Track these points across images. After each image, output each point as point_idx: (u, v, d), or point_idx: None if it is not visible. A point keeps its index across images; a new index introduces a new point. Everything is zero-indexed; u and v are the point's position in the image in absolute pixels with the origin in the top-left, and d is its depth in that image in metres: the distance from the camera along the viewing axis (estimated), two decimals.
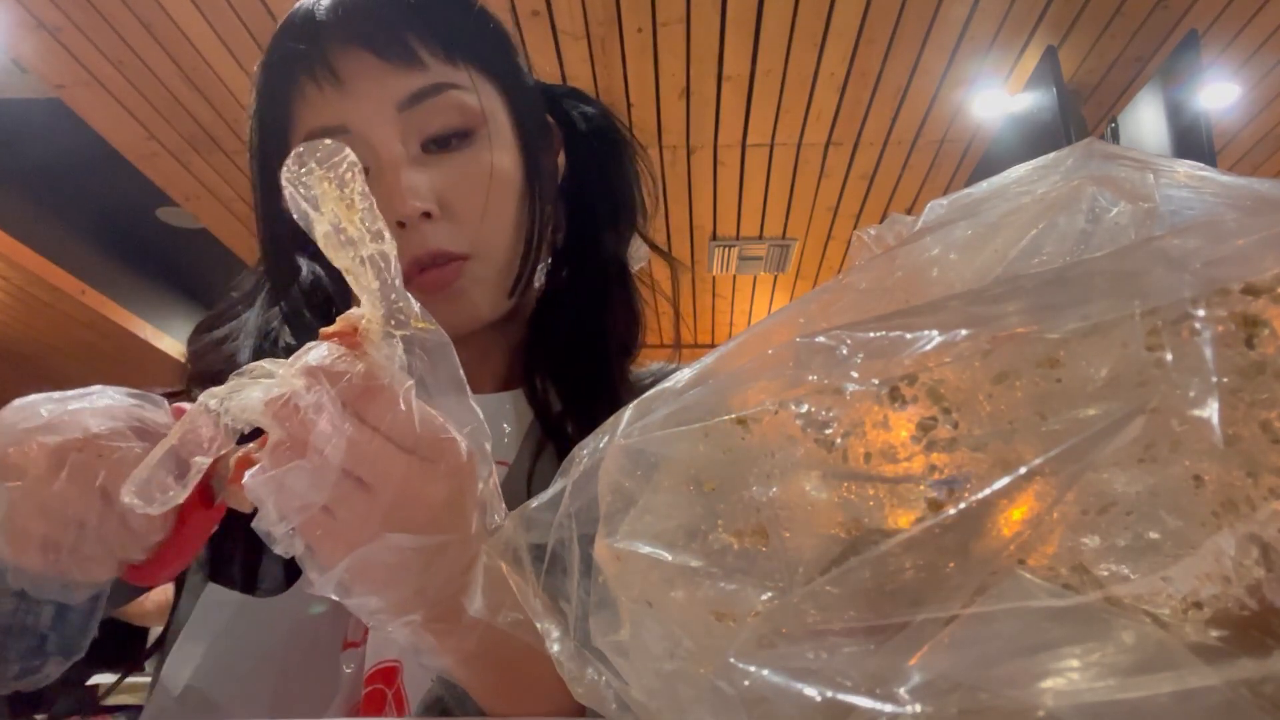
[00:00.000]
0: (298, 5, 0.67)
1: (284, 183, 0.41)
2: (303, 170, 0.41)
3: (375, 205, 0.42)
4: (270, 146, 0.68)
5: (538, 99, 0.75)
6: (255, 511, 0.42)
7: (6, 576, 0.47)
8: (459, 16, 0.68)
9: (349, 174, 0.42)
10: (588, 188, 0.77)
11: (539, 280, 0.77)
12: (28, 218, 3.98)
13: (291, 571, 0.64)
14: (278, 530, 0.40)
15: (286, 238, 0.71)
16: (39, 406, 0.47)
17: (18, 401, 0.48)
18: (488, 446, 0.44)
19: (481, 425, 0.44)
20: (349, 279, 0.42)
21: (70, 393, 0.49)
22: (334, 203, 0.41)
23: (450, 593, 0.43)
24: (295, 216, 0.42)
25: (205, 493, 0.47)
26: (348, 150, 0.42)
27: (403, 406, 0.40)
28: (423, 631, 0.44)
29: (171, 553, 0.47)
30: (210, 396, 0.42)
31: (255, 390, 0.41)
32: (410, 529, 0.41)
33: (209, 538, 0.49)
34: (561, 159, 0.78)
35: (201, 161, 3.66)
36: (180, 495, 0.41)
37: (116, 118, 3.37)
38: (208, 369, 0.70)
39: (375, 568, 0.41)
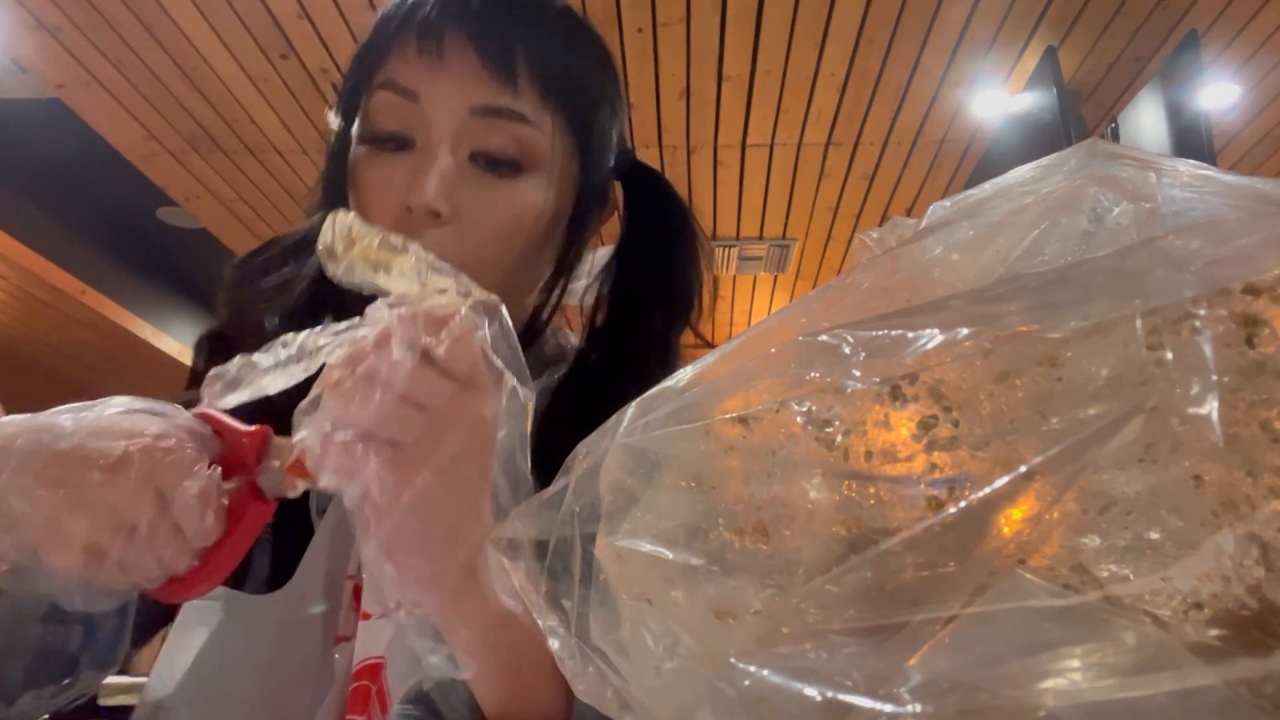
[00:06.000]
0: None
1: (345, 284, 0.46)
2: (342, 264, 0.46)
3: (376, 228, 0.46)
4: (356, 79, 0.68)
5: (610, 169, 0.73)
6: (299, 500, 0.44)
7: (36, 585, 0.46)
8: (579, 70, 0.68)
9: (352, 228, 0.46)
10: (652, 272, 0.75)
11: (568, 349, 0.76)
12: (28, 218, 3.98)
13: (279, 569, 0.64)
14: (338, 477, 0.43)
15: (345, 183, 0.70)
16: (68, 415, 0.46)
17: (39, 417, 0.47)
18: (532, 403, 0.47)
19: (530, 382, 0.46)
20: (424, 297, 0.45)
21: (88, 404, 0.48)
22: (369, 259, 0.46)
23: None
24: (371, 292, 0.45)
25: (256, 490, 0.47)
26: (328, 219, 0.46)
27: (461, 338, 0.43)
28: (449, 602, 0.45)
29: (220, 555, 0.46)
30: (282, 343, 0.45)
31: (325, 337, 0.45)
32: (469, 459, 0.44)
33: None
34: (615, 222, 0.76)
35: (201, 161, 3.65)
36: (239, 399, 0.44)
37: (116, 118, 3.37)
38: (276, 306, 0.70)
39: (437, 508, 0.44)
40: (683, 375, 0.33)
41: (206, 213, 4.06)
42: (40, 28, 2.89)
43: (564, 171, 0.67)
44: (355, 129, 0.67)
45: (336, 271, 0.46)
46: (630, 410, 0.33)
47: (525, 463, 0.46)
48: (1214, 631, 0.23)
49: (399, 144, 0.64)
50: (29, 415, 0.47)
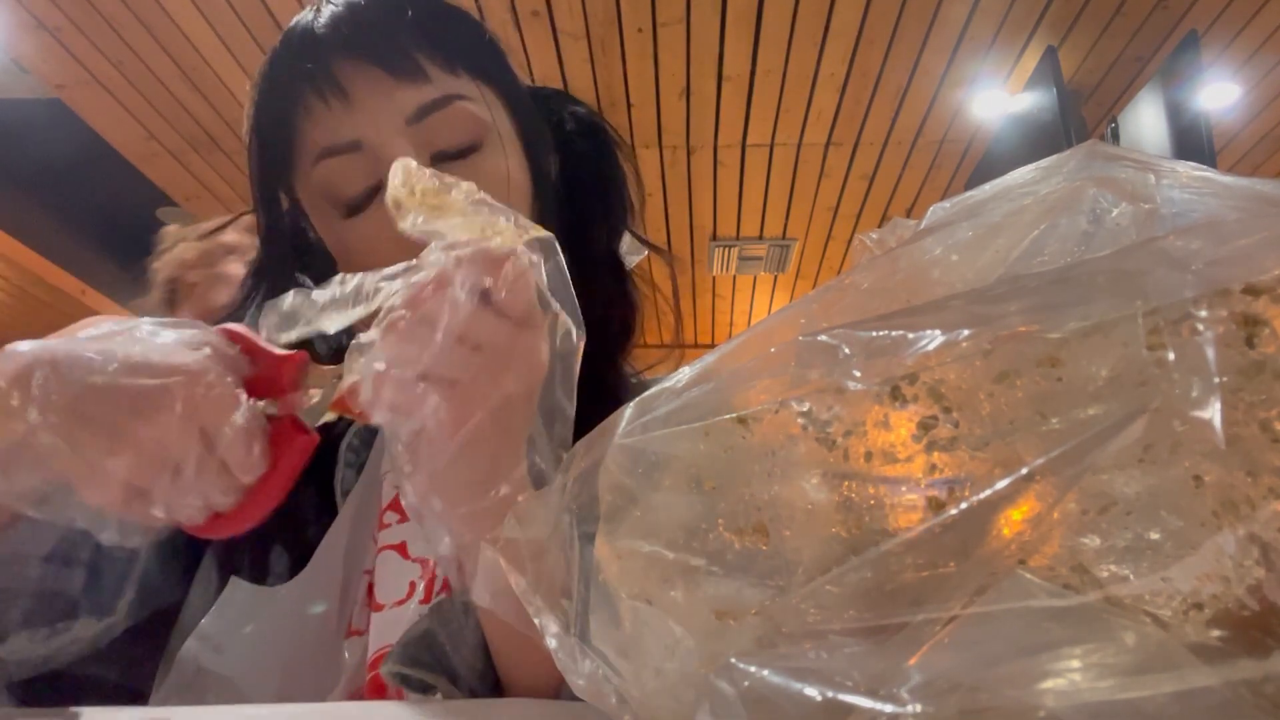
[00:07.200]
0: (295, 21, 0.66)
1: (412, 235, 0.46)
2: (409, 216, 0.46)
3: (428, 170, 0.47)
4: (274, 165, 0.68)
5: (533, 104, 0.75)
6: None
7: (66, 514, 0.44)
8: (456, 28, 0.69)
9: (411, 173, 0.46)
10: (579, 186, 0.77)
11: None
12: (28, 218, 3.98)
13: (297, 563, 0.64)
14: (393, 414, 0.43)
15: (287, 254, 0.71)
16: (92, 344, 0.44)
17: (57, 345, 0.45)
18: (584, 343, 0.47)
19: (582, 323, 0.47)
20: (488, 237, 0.45)
21: (110, 331, 0.46)
22: (427, 203, 0.46)
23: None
24: (431, 238, 0.46)
25: (297, 422, 0.46)
26: (392, 169, 0.46)
27: (520, 279, 0.44)
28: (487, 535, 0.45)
29: (265, 490, 0.45)
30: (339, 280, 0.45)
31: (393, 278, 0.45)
32: (521, 398, 0.45)
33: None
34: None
35: (201, 161, 3.66)
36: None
37: (116, 118, 3.37)
38: None
39: (486, 444, 0.45)
40: (683, 375, 0.33)
41: (206, 213, 4.06)
42: (40, 28, 2.89)
43: (506, 122, 0.69)
44: (314, 214, 0.67)
45: (404, 224, 0.46)
46: (629, 410, 0.33)
47: (569, 402, 0.47)
48: (1214, 632, 0.23)
49: (369, 196, 0.64)
50: (42, 342, 0.45)
